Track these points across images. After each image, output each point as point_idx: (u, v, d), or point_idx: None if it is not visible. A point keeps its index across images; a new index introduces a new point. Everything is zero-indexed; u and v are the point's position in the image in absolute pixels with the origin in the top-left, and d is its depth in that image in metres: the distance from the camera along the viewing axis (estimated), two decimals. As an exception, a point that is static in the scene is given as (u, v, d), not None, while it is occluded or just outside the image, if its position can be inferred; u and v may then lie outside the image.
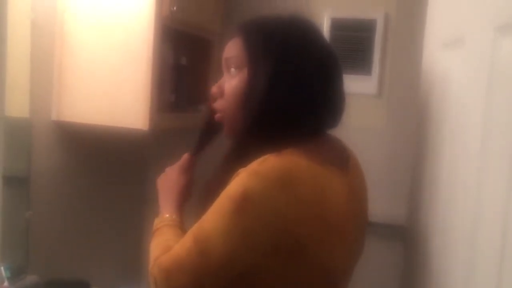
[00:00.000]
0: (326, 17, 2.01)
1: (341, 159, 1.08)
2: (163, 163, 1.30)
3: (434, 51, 1.42)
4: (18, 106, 1.53)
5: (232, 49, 1.08)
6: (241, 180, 0.94)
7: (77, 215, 1.81)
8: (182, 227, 1.15)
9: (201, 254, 0.95)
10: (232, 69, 1.07)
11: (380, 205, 1.87)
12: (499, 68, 0.84)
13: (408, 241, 1.61)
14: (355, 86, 1.94)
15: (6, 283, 1.39)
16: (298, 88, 1.01)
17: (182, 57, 1.87)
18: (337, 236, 1.00)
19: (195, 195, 1.21)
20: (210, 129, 1.22)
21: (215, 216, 0.95)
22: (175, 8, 1.61)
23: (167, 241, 1.07)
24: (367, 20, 2.00)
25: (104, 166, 1.93)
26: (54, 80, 1.62)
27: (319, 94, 1.03)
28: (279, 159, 0.95)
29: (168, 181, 1.25)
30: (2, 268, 1.40)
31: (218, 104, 1.11)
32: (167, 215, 1.17)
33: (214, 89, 1.11)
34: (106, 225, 1.97)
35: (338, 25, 2.02)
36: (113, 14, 1.57)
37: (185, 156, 1.27)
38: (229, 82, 1.08)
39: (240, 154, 1.02)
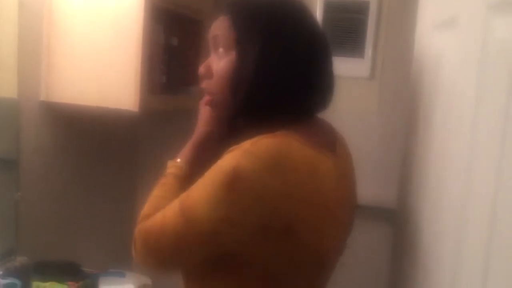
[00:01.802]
0: (319, -1, 1.99)
1: (330, 142, 1.08)
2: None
3: (426, 33, 1.41)
4: (6, 86, 1.52)
5: (220, 28, 1.06)
6: (233, 157, 0.93)
7: (66, 197, 1.80)
8: (187, 178, 1.11)
9: (184, 220, 0.95)
10: (220, 49, 1.06)
11: (371, 188, 1.87)
12: (492, 48, 0.83)
13: (397, 224, 1.62)
14: (348, 68, 1.94)
15: (-5, 265, 1.38)
16: (287, 69, 1.00)
17: (173, 37, 1.85)
18: (327, 218, 1.00)
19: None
20: None
21: (204, 186, 0.96)
22: (165, -13, 1.59)
23: (161, 199, 1.07)
24: (360, 2, 1.99)
25: (94, 148, 1.92)
26: (43, 60, 1.60)
27: (308, 76, 1.02)
28: (272, 140, 0.95)
29: (199, 120, 1.19)
30: (-9, 249, 1.40)
31: (206, 85, 1.09)
32: (179, 160, 1.15)
33: (201, 69, 1.09)
34: (96, 206, 1.96)
35: (331, 7, 2.00)
36: (102, -7, 1.54)
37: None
38: (218, 63, 1.06)
39: (232, 137, 1.01)
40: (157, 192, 1.11)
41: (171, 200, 1.02)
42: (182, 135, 1.22)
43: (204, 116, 1.18)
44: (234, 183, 0.91)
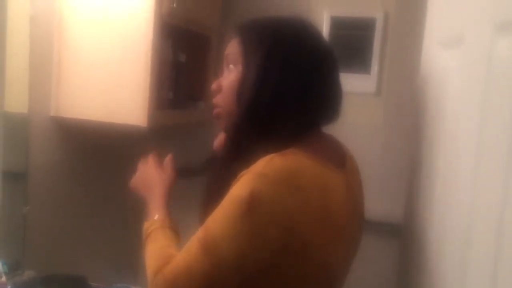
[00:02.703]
0: (326, 16, 2.01)
1: (339, 158, 1.09)
2: (161, 159, 1.30)
3: (432, 50, 1.42)
4: (16, 101, 1.53)
5: (231, 47, 1.10)
6: (247, 182, 0.93)
7: (74, 211, 1.80)
8: (174, 227, 1.14)
9: (210, 260, 0.93)
10: (230, 66, 1.10)
11: (377, 203, 1.87)
12: (497, 66, 0.84)
13: (404, 239, 1.62)
14: (354, 84, 1.95)
15: (3, 278, 1.39)
16: (289, 82, 1.02)
17: (181, 54, 1.87)
18: (338, 234, 1.01)
19: (196, 199, 1.17)
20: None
21: (221, 220, 0.94)
22: (175, 4, 1.61)
23: (165, 248, 1.05)
24: (366, 18, 2.00)
25: (102, 163, 1.93)
26: (53, 76, 1.62)
27: (311, 91, 1.04)
28: (284, 159, 0.95)
29: (147, 179, 1.24)
30: (-1, 263, 1.40)
31: (216, 99, 1.13)
32: (156, 217, 1.15)
33: (214, 85, 1.13)
34: (104, 221, 1.96)
35: (338, 24, 2.02)
36: (112, 10, 1.57)
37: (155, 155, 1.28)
38: (227, 78, 1.10)
39: (238, 154, 1.03)
40: (153, 247, 1.08)
41: (176, 245, 1.02)
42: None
43: (156, 158, 1.26)
44: (251, 209, 0.91)
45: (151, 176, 1.25)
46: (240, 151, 1.04)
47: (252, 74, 1.03)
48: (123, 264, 1.99)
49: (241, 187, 0.93)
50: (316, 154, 1.00)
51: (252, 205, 0.91)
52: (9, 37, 1.44)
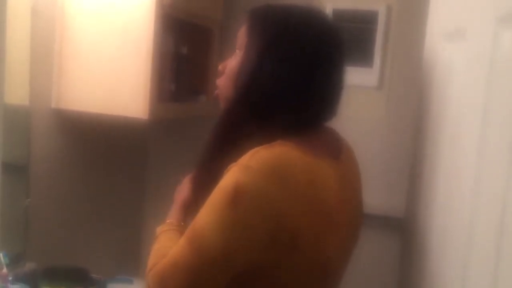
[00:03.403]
0: (328, 8, 2.00)
1: (334, 149, 1.08)
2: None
3: (435, 43, 1.41)
4: (17, 93, 1.53)
5: (240, 31, 1.11)
6: (232, 174, 0.93)
7: (76, 203, 1.81)
8: (181, 230, 1.12)
9: (195, 251, 0.94)
10: (237, 50, 1.10)
11: (379, 197, 1.87)
12: (500, 59, 0.83)
13: (405, 233, 1.62)
14: (356, 78, 1.94)
15: (4, 270, 1.39)
16: (287, 74, 1.01)
17: (183, 46, 1.86)
18: (329, 227, 1.00)
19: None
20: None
21: (207, 212, 0.95)
22: (176, -4, 1.60)
23: (164, 248, 1.05)
24: (369, 11, 1.99)
25: (103, 155, 1.93)
26: (54, 68, 1.61)
27: (310, 85, 1.02)
28: (269, 152, 0.95)
29: (179, 191, 1.25)
30: (1, 255, 1.40)
31: (219, 81, 1.14)
32: (168, 221, 1.17)
33: (220, 66, 1.14)
34: (105, 213, 1.97)
35: (340, 16, 2.01)
36: (114, 2, 1.56)
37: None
38: (231, 61, 1.11)
39: (227, 141, 1.03)
40: (155, 247, 1.10)
41: (172, 246, 1.01)
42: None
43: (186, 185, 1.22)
44: (236, 201, 0.91)
45: (182, 189, 1.24)
46: (230, 138, 1.04)
47: (251, 60, 1.04)
48: (124, 256, 1.99)
49: (227, 179, 0.93)
50: (305, 144, 0.99)
51: (236, 197, 0.91)
52: (10, 29, 1.43)
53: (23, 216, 1.57)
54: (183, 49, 1.87)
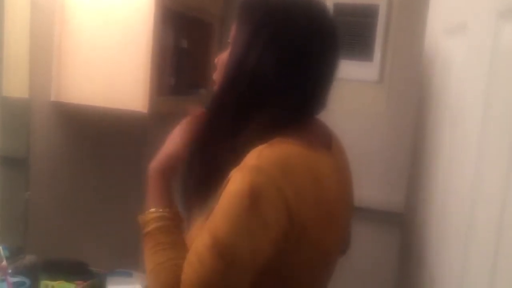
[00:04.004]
0: (329, 2, 2.00)
1: (325, 140, 1.09)
2: (162, 146, 1.29)
3: (436, 37, 1.41)
4: (17, 86, 1.53)
5: (232, 25, 1.09)
6: (243, 178, 0.91)
7: (75, 196, 1.81)
8: (175, 220, 1.05)
9: (223, 261, 0.90)
10: (229, 43, 1.09)
11: (378, 192, 1.87)
12: (501, 53, 0.83)
13: (405, 228, 1.62)
14: (356, 72, 1.94)
15: (4, 263, 1.39)
16: (272, 60, 0.99)
17: (183, 40, 1.86)
18: (330, 215, 1.02)
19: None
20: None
21: (227, 221, 0.91)
22: (176, -11, 1.60)
23: (173, 261, 0.98)
24: (369, 5, 1.99)
25: (103, 148, 1.93)
26: (54, 61, 1.61)
27: (298, 76, 1.01)
28: (273, 150, 0.95)
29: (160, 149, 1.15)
30: (0, 248, 1.41)
31: (215, 74, 1.14)
32: (152, 210, 1.07)
33: (215, 60, 1.14)
34: (104, 206, 1.97)
35: (341, 10, 2.00)
36: (113, -5, 1.56)
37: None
38: (223, 54, 1.11)
39: (214, 136, 1.03)
40: (155, 258, 1.01)
41: (183, 249, 0.97)
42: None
43: (174, 136, 1.17)
44: (256, 203, 0.90)
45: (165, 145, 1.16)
46: (216, 133, 1.03)
47: (237, 49, 1.03)
48: (124, 250, 1.99)
49: (239, 183, 0.91)
50: (302, 139, 0.99)
51: (255, 199, 0.90)
52: (10, 22, 1.43)
53: (23, 209, 1.57)
54: (183, 43, 1.86)
